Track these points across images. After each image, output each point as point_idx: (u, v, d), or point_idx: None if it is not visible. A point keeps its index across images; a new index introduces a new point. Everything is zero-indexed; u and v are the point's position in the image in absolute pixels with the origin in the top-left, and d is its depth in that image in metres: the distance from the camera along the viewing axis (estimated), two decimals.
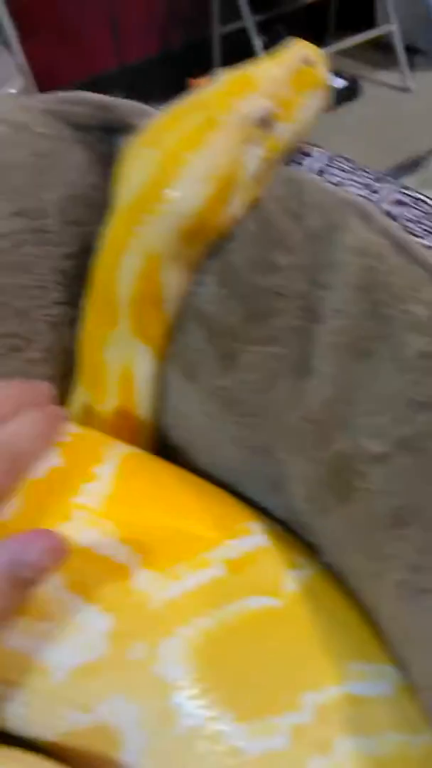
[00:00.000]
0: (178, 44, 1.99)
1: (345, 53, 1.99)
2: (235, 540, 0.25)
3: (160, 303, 0.29)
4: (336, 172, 0.27)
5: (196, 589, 0.24)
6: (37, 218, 0.32)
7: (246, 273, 0.26)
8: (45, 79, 1.69)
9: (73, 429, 0.29)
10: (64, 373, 0.33)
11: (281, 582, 0.24)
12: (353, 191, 0.26)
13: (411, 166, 0.54)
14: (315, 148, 0.28)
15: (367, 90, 1.95)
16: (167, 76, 1.97)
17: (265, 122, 0.25)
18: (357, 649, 0.23)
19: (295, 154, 0.27)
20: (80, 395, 0.33)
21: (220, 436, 0.28)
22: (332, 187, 0.25)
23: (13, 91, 1.51)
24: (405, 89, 1.93)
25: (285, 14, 1.95)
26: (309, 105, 0.27)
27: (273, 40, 1.97)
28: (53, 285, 0.32)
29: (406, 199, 0.25)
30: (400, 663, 0.22)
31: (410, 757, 0.21)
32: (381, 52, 1.99)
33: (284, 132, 0.26)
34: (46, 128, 0.32)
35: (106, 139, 0.33)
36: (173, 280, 0.28)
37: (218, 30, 1.95)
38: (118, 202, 0.28)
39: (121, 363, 0.31)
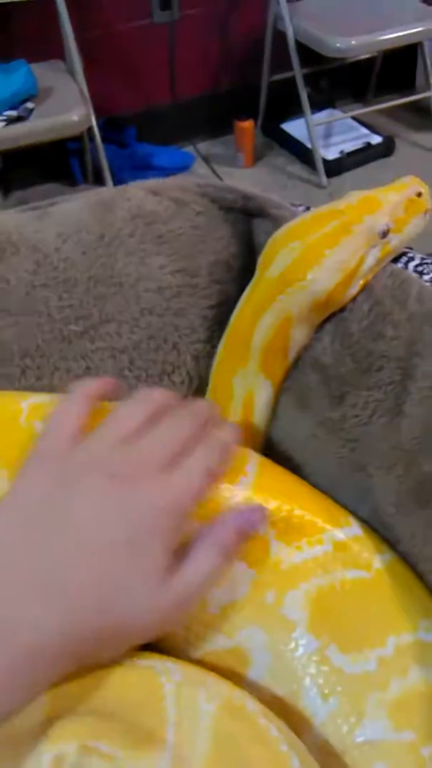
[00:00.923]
0: (228, 86, 2.12)
1: (384, 112, 2.12)
2: (340, 528, 0.35)
3: (286, 351, 0.39)
4: (430, 271, 0.37)
5: (313, 558, 0.33)
6: (192, 276, 0.42)
7: (358, 337, 0.36)
8: (103, 107, 1.81)
9: None
10: (196, 393, 0.43)
11: (371, 561, 0.34)
12: None
13: None
14: (411, 250, 0.39)
15: (402, 148, 2.08)
16: (215, 115, 2.11)
17: (384, 233, 0.36)
18: (423, 609, 0.32)
19: (399, 255, 0.38)
20: None
21: (323, 454, 0.38)
22: (429, 284, 0.36)
23: (75, 118, 1.63)
24: None
25: (331, 69, 2.08)
26: (415, 224, 0.37)
27: (317, 92, 2.11)
28: (198, 327, 0.42)
29: None
30: None
31: None
32: (418, 114, 2.12)
33: (395, 241, 0.36)
34: (201, 207, 0.43)
35: (245, 221, 0.43)
36: (299, 336, 0.38)
37: (267, 77, 2.08)
38: (264, 275, 0.38)
39: (246, 390, 0.41)
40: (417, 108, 2.11)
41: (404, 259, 0.38)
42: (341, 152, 2.01)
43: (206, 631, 0.33)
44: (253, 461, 0.36)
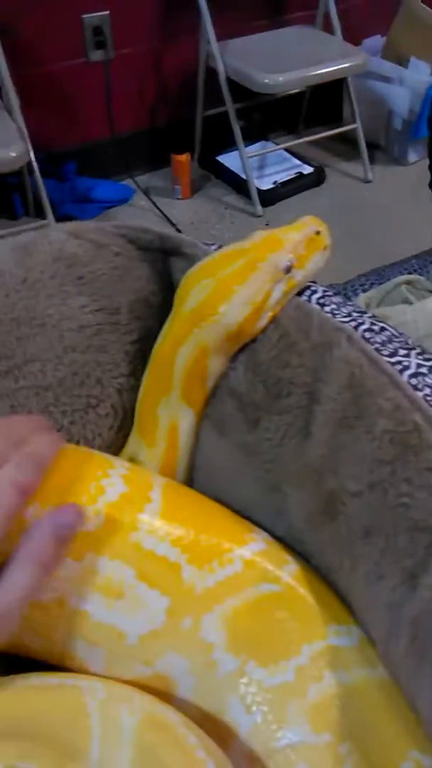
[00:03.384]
0: (164, 121, 2.18)
1: (314, 143, 2.21)
2: (246, 545, 0.37)
3: (204, 379, 0.41)
4: (330, 303, 0.40)
5: (225, 579, 0.35)
6: (113, 314, 0.44)
7: (267, 366, 0.39)
8: (42, 143, 1.84)
9: (127, 465, 0.40)
10: (122, 424, 0.45)
11: (279, 574, 0.36)
12: (340, 319, 0.39)
13: (372, 274, 0.68)
14: (314, 284, 0.42)
15: (332, 178, 2.17)
16: (153, 149, 2.15)
17: (287, 269, 0.39)
18: (333, 615, 0.35)
19: (304, 289, 0.41)
20: (135, 440, 0.45)
21: (240, 476, 0.41)
22: (329, 315, 0.39)
23: (13, 154, 1.64)
24: (366, 180, 2.15)
25: (262, 104, 2.17)
26: (316, 260, 0.40)
27: (250, 125, 2.18)
28: (121, 362, 0.44)
29: (376, 328, 0.38)
30: (362, 625, 0.34)
31: (371, 683, 0.33)
32: (345, 145, 2.22)
33: (298, 276, 0.40)
34: (120, 248, 0.45)
35: (162, 259, 0.46)
36: (215, 365, 0.41)
37: (201, 112, 2.15)
38: (180, 310, 0.41)
39: (170, 419, 0.43)
40: (345, 139, 2.21)
41: (308, 292, 0.41)
42: (275, 182, 2.08)
43: (126, 662, 0.34)
44: (158, 488, 0.37)
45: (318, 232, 0.40)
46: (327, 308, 0.40)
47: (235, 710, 0.33)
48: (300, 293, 0.41)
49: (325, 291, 0.41)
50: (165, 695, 0.34)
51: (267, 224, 1.95)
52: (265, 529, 0.39)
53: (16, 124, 1.70)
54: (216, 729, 0.33)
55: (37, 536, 0.31)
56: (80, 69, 1.97)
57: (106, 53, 1.97)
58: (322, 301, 0.40)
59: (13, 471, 0.31)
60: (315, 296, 0.41)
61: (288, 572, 0.36)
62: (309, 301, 0.40)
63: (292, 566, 0.36)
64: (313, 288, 0.41)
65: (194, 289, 0.40)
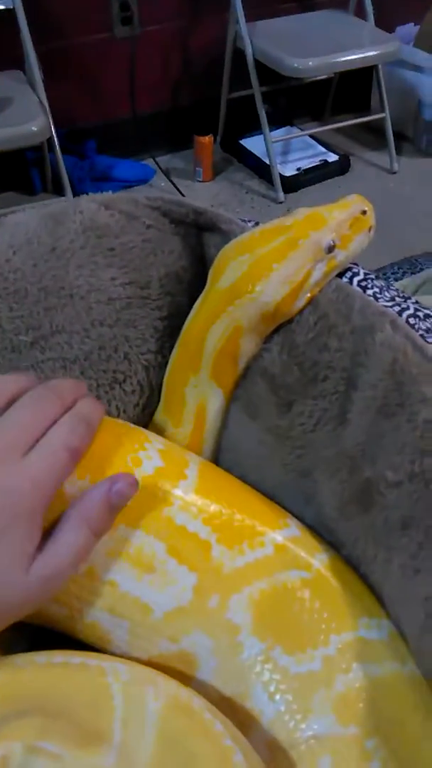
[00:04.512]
0: (188, 101, 2.15)
1: (339, 131, 2.18)
2: (279, 530, 0.36)
3: (236, 359, 0.40)
4: (373, 286, 0.39)
5: (254, 561, 0.34)
6: (143, 288, 0.43)
7: (304, 348, 0.38)
8: (63, 119, 1.82)
9: (164, 441, 0.39)
10: (147, 402, 0.44)
11: (311, 561, 0.35)
12: (383, 303, 0.38)
13: (405, 262, 0.66)
14: (355, 266, 0.40)
15: (357, 167, 2.13)
16: (175, 130, 2.13)
17: (329, 249, 0.37)
18: (364, 607, 0.34)
19: (344, 270, 0.39)
20: (160, 419, 0.43)
21: (270, 460, 0.39)
22: (371, 298, 0.37)
23: (34, 128, 1.62)
24: (391, 171, 2.12)
25: (289, 88, 2.13)
26: (359, 240, 0.38)
27: (276, 109, 2.15)
28: (149, 337, 0.43)
29: (420, 314, 0.37)
30: (394, 618, 0.33)
31: (401, 678, 0.32)
32: (372, 134, 2.19)
33: (340, 256, 0.38)
34: (152, 221, 0.44)
35: (195, 234, 0.44)
36: (248, 346, 0.39)
37: (226, 94, 2.12)
38: (214, 286, 0.39)
39: (198, 399, 0.42)
40: (372, 128, 2.17)
41: (349, 274, 0.40)
42: (298, 169, 2.05)
43: (151, 636, 0.33)
44: (194, 465, 0.37)
45: (364, 212, 0.38)
46: (369, 291, 0.38)
47: (257, 696, 0.32)
48: (340, 275, 0.39)
49: (366, 274, 0.39)
50: (184, 676, 0.33)
51: (288, 210, 1.92)
52: (293, 516, 0.38)
53: (38, 98, 1.68)
54: (236, 714, 0.32)
55: (89, 500, 0.31)
56: (105, 45, 1.94)
57: (132, 29, 1.94)
58: (364, 283, 0.39)
59: (66, 434, 0.31)
60: (356, 278, 0.39)
61: (320, 560, 0.35)
62: (350, 283, 0.39)
63: (324, 555, 0.35)
64: (354, 270, 0.40)
65: (230, 266, 0.38)
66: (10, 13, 1.62)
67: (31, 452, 0.30)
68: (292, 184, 2.01)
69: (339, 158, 2.10)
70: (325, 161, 2.09)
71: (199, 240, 0.44)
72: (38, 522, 0.29)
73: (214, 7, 1.97)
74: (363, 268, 0.40)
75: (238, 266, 0.38)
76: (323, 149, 2.14)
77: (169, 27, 2.00)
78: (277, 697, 0.32)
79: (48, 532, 0.30)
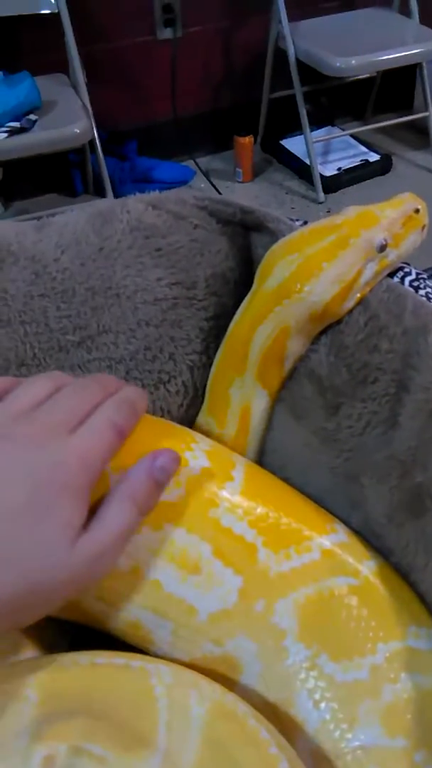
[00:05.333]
0: (229, 102, 2.15)
1: (382, 130, 2.15)
2: (326, 535, 0.35)
3: (282, 360, 0.39)
4: (426, 286, 0.38)
5: (301, 566, 0.34)
6: (189, 288, 0.42)
7: (353, 349, 0.37)
8: (105, 120, 1.83)
9: (211, 442, 0.39)
10: (192, 402, 0.44)
11: (358, 568, 0.34)
12: None
13: None
14: (407, 265, 0.39)
15: (399, 167, 2.10)
16: (216, 131, 2.13)
17: (381, 248, 0.36)
18: (413, 616, 0.33)
19: (395, 270, 0.38)
20: (204, 420, 0.43)
21: (317, 463, 0.39)
22: (423, 299, 0.36)
23: (77, 130, 1.64)
24: None
25: (330, 88, 2.11)
26: (412, 239, 0.38)
27: (317, 109, 2.13)
28: (195, 338, 0.43)
29: None
30: None
31: None
32: (415, 133, 2.15)
33: (392, 256, 0.37)
34: (200, 220, 0.43)
35: (243, 234, 0.44)
36: (296, 347, 0.39)
37: (267, 94, 2.11)
38: (262, 286, 0.39)
39: (243, 400, 0.41)
40: (415, 127, 2.14)
41: (400, 273, 0.39)
42: (339, 169, 2.03)
43: (194, 638, 0.33)
44: (241, 467, 0.36)
45: (417, 210, 0.37)
46: (421, 291, 0.37)
47: (302, 704, 0.32)
48: (391, 275, 0.38)
49: (419, 273, 0.38)
50: (227, 680, 0.33)
51: (328, 211, 1.91)
52: (335, 518, 0.37)
53: (81, 100, 1.70)
54: (280, 721, 0.31)
55: (133, 476, 0.30)
56: (148, 47, 1.95)
57: (174, 31, 1.95)
58: (416, 283, 0.38)
59: (112, 411, 0.31)
60: (408, 278, 0.38)
61: (368, 567, 0.34)
62: (402, 283, 0.38)
63: (373, 562, 0.34)
64: (406, 269, 0.39)
65: (278, 265, 0.38)
66: (54, 16, 1.64)
67: (78, 430, 0.30)
68: (332, 185, 1.99)
69: (380, 158, 2.07)
70: (366, 161, 2.06)
71: (246, 240, 0.44)
72: (85, 498, 0.28)
73: (256, 8, 1.96)
74: (415, 268, 0.39)
75: (286, 266, 0.37)
76: (364, 149, 2.11)
77: (210, 28, 2.01)
78: (323, 705, 0.31)
79: (92, 512, 0.29)
